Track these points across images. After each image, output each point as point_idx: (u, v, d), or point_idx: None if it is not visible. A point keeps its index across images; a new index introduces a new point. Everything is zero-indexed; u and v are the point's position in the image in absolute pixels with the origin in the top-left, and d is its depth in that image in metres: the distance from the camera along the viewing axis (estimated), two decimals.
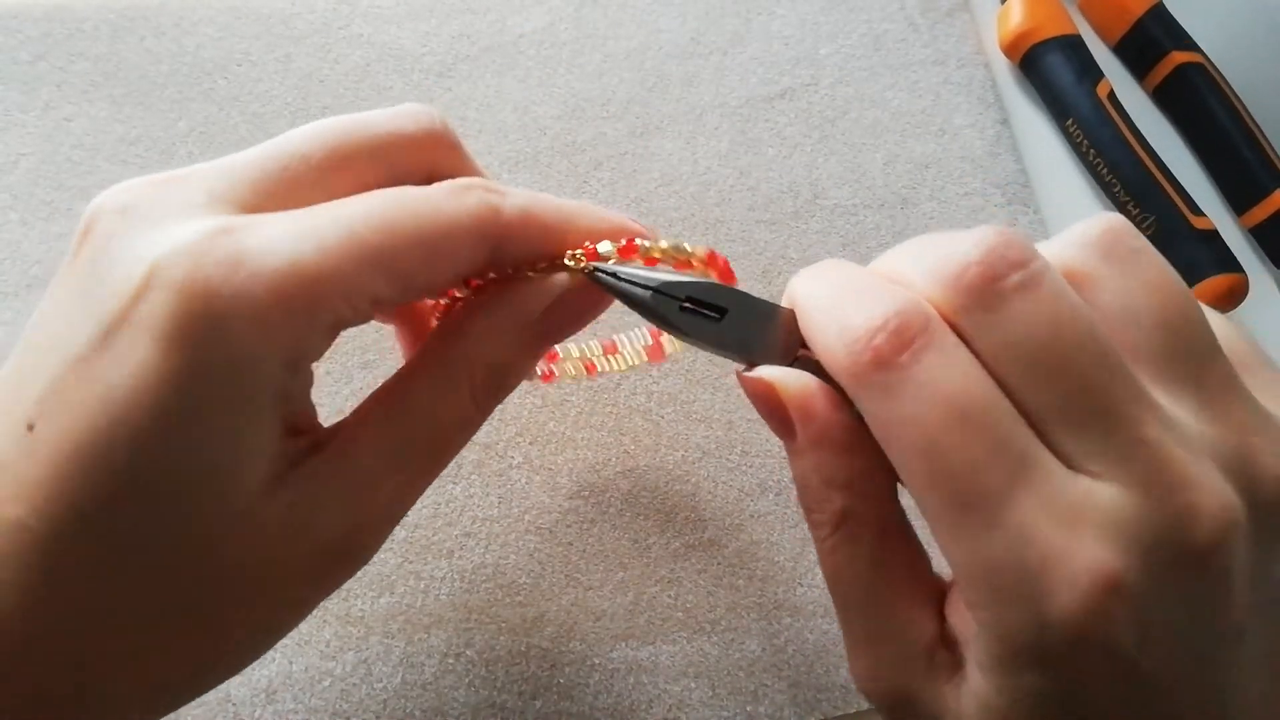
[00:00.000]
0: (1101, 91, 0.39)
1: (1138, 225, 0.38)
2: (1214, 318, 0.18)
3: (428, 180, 0.19)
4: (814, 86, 0.40)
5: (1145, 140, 0.38)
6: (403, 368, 0.20)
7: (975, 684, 0.17)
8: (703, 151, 0.38)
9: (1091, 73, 0.39)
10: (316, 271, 0.16)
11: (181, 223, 0.16)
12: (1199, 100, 0.40)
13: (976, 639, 0.16)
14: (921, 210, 0.38)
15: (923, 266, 0.17)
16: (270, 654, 0.29)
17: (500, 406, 0.22)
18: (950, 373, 0.15)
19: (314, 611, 0.30)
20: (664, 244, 0.21)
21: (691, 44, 0.40)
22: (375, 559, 0.31)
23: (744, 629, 0.31)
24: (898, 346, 0.16)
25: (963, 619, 0.17)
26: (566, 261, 0.20)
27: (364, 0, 0.40)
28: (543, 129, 0.38)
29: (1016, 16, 0.40)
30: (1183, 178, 0.38)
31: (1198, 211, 0.37)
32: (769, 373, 0.18)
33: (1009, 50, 0.41)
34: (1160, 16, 0.41)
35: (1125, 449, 0.15)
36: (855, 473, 0.18)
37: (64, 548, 0.15)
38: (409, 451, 0.19)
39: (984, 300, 0.16)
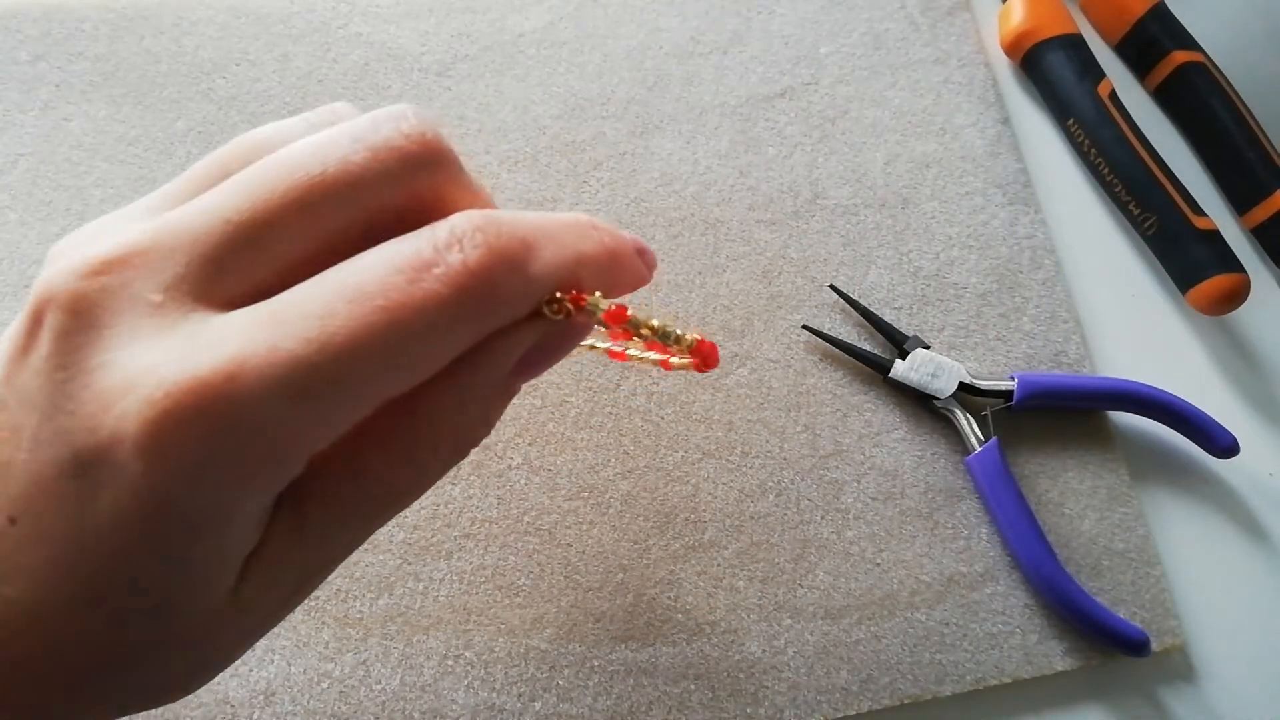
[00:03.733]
0: (1103, 91, 0.39)
1: (1138, 225, 0.38)
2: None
3: (411, 214, 0.17)
4: (814, 86, 0.40)
5: (1146, 140, 0.38)
6: (361, 431, 0.18)
7: None
8: (703, 151, 0.38)
9: (1093, 72, 0.39)
10: (297, 426, 0.16)
11: (149, 343, 0.16)
12: (1200, 100, 0.40)
13: None
14: (922, 210, 0.38)
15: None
16: (269, 656, 0.29)
17: None
18: None
19: (313, 613, 0.30)
20: (655, 322, 0.20)
21: (691, 43, 0.40)
22: (374, 561, 0.31)
23: (744, 630, 0.31)
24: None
25: None
26: (546, 312, 0.18)
27: None
28: (542, 128, 0.38)
29: (1017, 15, 0.40)
30: (1184, 177, 0.37)
31: (1199, 211, 0.37)
32: None
33: (1010, 49, 0.41)
34: (1161, 16, 0.41)
35: None
36: None
37: (52, 625, 0.16)
38: (365, 515, 0.19)
39: None
